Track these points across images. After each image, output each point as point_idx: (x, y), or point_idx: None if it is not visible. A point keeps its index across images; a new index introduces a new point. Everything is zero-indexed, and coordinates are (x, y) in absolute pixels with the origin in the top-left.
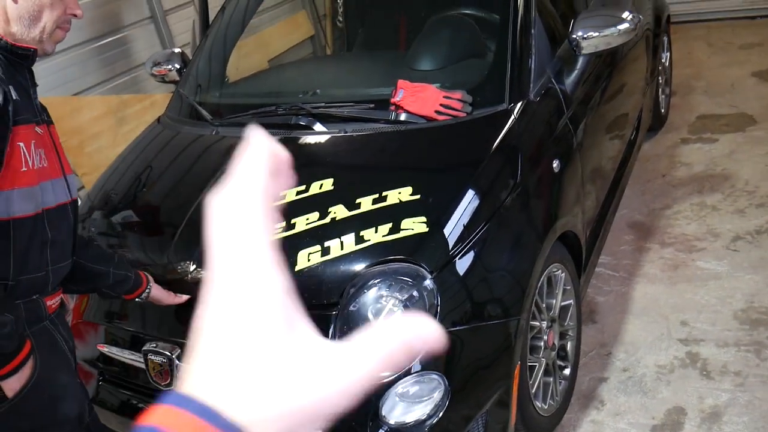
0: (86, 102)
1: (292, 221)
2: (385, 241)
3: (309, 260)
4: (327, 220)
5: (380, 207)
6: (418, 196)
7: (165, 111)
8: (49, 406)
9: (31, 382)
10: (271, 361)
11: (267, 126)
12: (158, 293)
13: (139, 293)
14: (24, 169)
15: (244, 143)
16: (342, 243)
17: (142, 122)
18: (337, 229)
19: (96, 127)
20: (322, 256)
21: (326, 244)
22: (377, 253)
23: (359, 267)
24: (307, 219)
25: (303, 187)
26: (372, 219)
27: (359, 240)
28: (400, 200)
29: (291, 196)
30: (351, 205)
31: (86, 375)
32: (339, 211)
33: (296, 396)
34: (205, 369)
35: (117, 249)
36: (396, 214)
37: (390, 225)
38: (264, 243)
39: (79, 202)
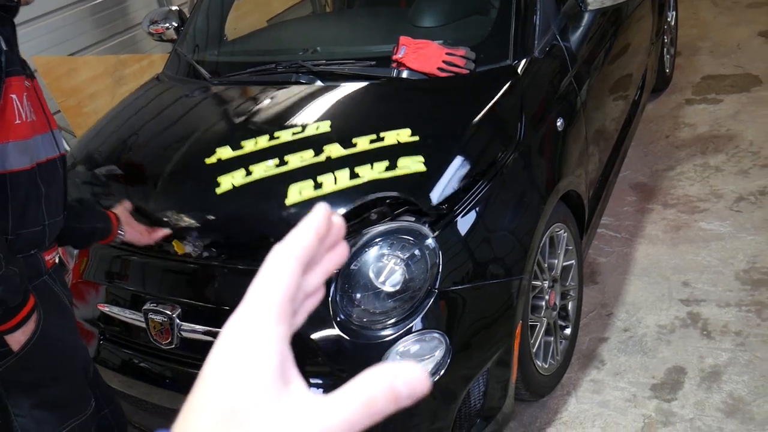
0: (83, 62)
1: (285, 158)
2: (380, 178)
3: (300, 194)
4: (322, 158)
5: (377, 147)
6: (417, 138)
7: (163, 69)
8: (54, 359)
9: (36, 335)
10: (259, 416)
11: (267, 84)
12: (133, 236)
13: (111, 240)
14: (18, 121)
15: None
16: (336, 178)
17: (141, 82)
18: (331, 166)
19: (93, 87)
20: (315, 190)
21: (319, 179)
22: (372, 189)
23: (352, 204)
24: (301, 157)
25: (299, 129)
26: (368, 157)
27: (354, 176)
28: (398, 141)
29: (286, 136)
30: (347, 144)
31: (87, 334)
32: (334, 150)
33: None
34: (195, 417)
35: (101, 197)
36: (393, 153)
37: (386, 163)
38: (275, 298)
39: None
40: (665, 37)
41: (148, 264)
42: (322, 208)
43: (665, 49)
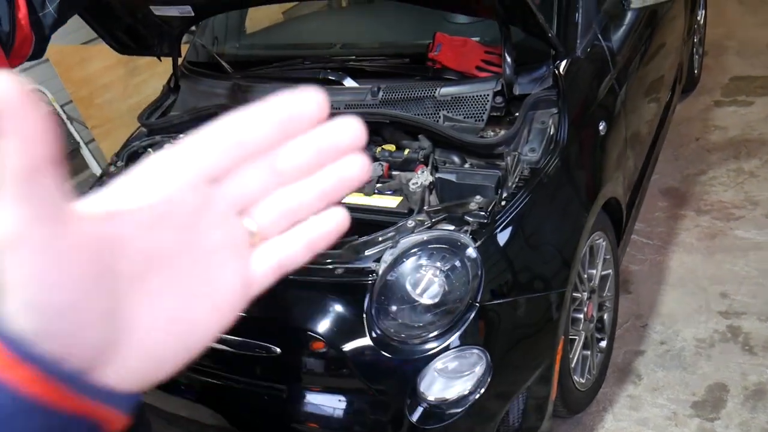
0: (95, 51)
1: None
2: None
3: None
4: None
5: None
6: None
7: (182, 62)
8: None
9: None
10: None
11: (292, 80)
12: None
13: None
14: None
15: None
16: None
17: (155, 73)
18: None
19: (106, 78)
20: None
21: None
22: None
23: None
24: None
25: None
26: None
27: None
28: None
29: None
30: None
31: None
32: None
33: None
34: None
35: None
36: None
37: None
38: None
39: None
40: (695, 36)
41: None
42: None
43: (694, 49)
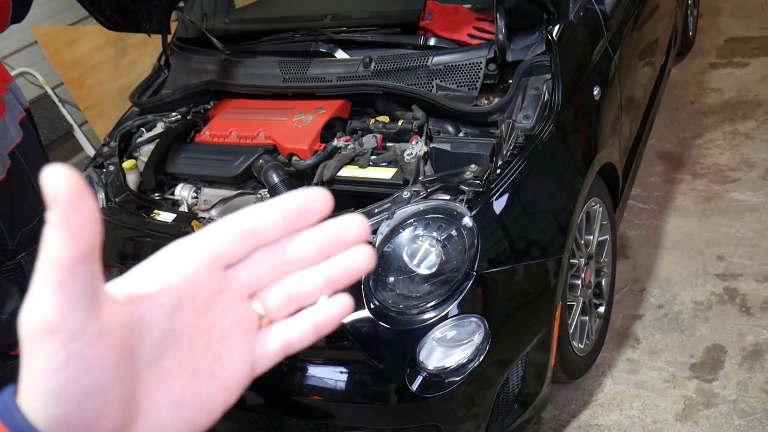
0: (84, 32)
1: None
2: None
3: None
4: None
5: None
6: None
7: (171, 39)
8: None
9: None
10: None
11: (283, 54)
12: None
13: None
14: None
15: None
16: None
17: (144, 53)
18: None
19: (96, 59)
20: None
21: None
22: None
23: None
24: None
25: None
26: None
27: None
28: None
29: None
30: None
31: None
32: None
33: None
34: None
35: None
36: None
37: None
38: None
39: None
40: None
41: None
42: (315, 191)
43: (689, 11)
